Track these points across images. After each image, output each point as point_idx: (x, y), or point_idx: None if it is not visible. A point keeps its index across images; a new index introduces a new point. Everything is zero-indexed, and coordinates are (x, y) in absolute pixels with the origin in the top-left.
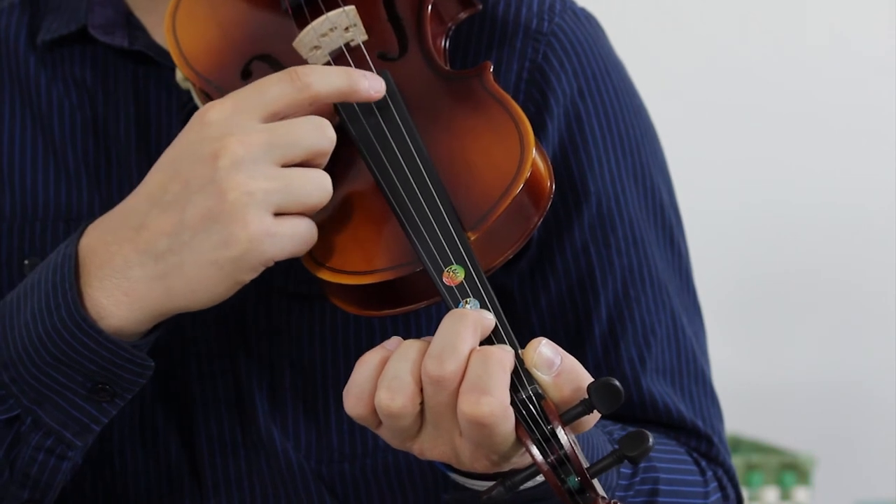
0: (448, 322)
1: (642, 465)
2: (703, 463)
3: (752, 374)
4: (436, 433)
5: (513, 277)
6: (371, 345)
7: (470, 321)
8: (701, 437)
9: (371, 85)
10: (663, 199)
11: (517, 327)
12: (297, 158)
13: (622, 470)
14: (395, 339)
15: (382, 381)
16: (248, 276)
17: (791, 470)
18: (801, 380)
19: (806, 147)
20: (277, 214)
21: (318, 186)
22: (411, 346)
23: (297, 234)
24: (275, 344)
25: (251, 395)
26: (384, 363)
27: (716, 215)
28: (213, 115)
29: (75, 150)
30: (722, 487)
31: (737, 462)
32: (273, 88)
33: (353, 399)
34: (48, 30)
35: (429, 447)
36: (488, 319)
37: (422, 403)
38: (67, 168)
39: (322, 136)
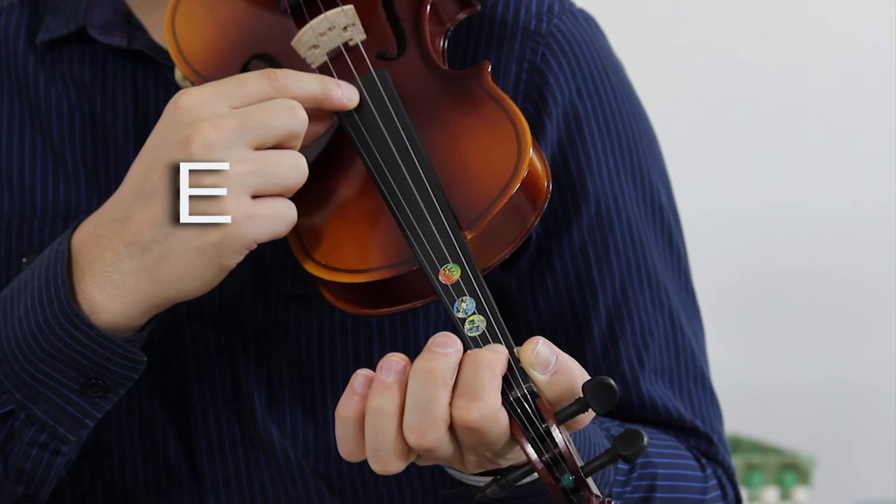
0: (418, 385)
1: (640, 461)
2: (703, 461)
3: (753, 374)
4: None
5: (511, 277)
6: (368, 343)
7: (439, 380)
8: (700, 437)
9: (344, 93)
10: (662, 200)
11: (516, 328)
12: (270, 141)
13: (620, 466)
14: (361, 379)
15: (369, 453)
16: (233, 261)
17: (791, 470)
18: (801, 380)
19: (805, 148)
20: (255, 197)
21: (292, 166)
22: (385, 413)
23: (277, 215)
24: (272, 342)
25: (249, 393)
26: (361, 419)
27: (715, 216)
28: (185, 101)
29: (74, 149)
30: (721, 486)
31: (737, 462)
32: (251, 84)
33: (348, 455)
34: (47, 29)
35: (424, 462)
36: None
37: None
38: (66, 167)
39: (294, 118)
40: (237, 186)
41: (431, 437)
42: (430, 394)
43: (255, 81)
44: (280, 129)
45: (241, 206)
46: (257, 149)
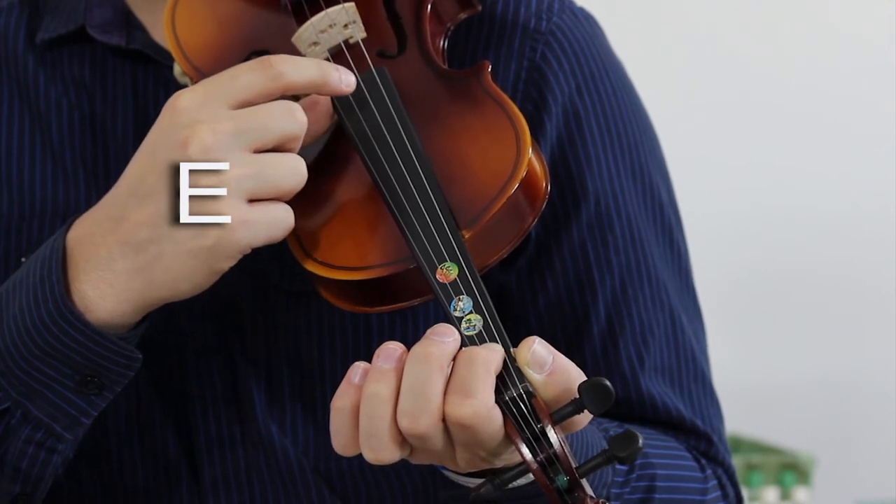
0: (415, 368)
1: (639, 461)
2: (703, 461)
3: (752, 374)
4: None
5: (511, 276)
6: (368, 342)
7: (435, 364)
8: (700, 437)
9: (342, 78)
10: (662, 198)
11: (515, 326)
12: (268, 143)
13: (618, 467)
14: (358, 370)
15: (363, 440)
16: (226, 265)
17: (791, 470)
18: (801, 380)
19: (805, 148)
20: (252, 201)
21: (291, 171)
22: (380, 399)
23: (273, 221)
24: (271, 341)
25: (248, 392)
26: (356, 409)
27: (716, 215)
28: (183, 103)
29: (73, 149)
30: (721, 486)
31: (737, 462)
32: (245, 76)
33: (341, 447)
34: (47, 29)
35: (417, 458)
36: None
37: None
38: (65, 166)
39: (293, 120)
40: (233, 190)
41: (424, 422)
42: (426, 377)
43: (248, 73)
44: (278, 132)
45: (237, 210)
46: (255, 151)
